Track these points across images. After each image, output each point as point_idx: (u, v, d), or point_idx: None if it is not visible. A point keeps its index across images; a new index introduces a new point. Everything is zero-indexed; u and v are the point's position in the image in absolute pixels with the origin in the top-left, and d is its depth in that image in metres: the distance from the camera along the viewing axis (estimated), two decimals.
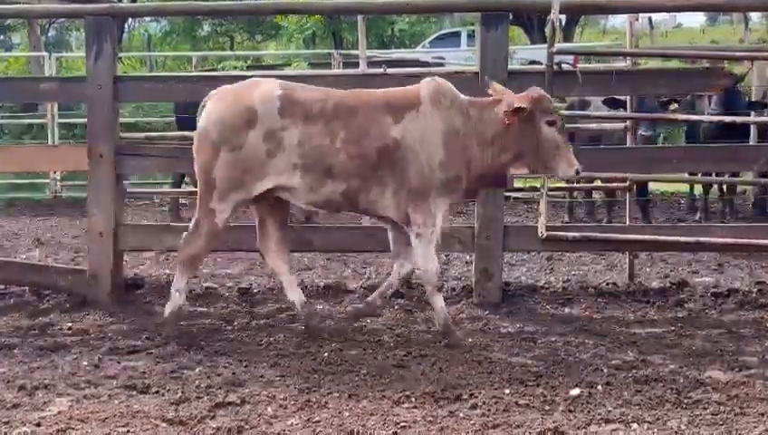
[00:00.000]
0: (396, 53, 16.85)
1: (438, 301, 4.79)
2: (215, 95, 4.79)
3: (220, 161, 4.66)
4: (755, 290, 5.85)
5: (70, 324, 5.16)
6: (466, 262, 6.67)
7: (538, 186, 5.71)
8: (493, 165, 4.78)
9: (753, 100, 9.56)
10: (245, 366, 4.38)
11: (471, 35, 23.00)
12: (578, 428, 3.58)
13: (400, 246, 4.93)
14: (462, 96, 4.79)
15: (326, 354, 4.55)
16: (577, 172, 4.74)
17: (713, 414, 3.71)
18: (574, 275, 6.55)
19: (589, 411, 3.74)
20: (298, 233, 5.80)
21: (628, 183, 6.13)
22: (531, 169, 4.88)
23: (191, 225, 4.82)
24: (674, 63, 11.57)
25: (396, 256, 5.00)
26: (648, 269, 6.73)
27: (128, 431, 3.55)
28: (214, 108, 4.73)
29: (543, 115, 4.68)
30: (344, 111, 4.68)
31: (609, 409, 3.76)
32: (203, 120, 4.75)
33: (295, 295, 5.01)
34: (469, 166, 4.74)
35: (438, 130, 4.67)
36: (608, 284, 6.07)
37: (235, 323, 5.22)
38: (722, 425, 3.61)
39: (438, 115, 4.69)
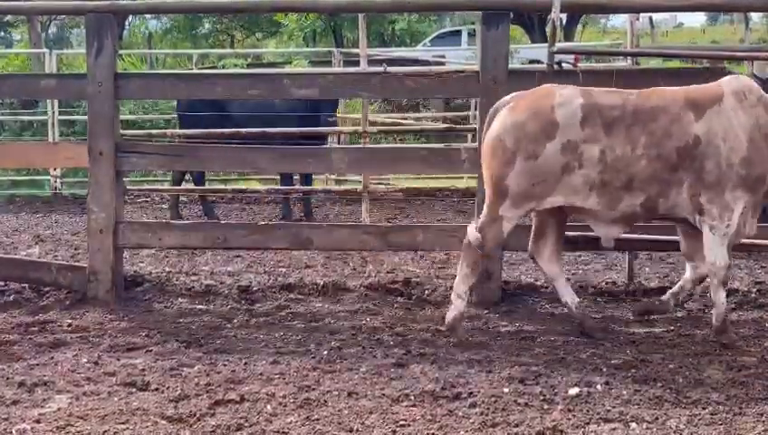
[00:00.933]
0: (396, 52, 16.85)
1: (721, 296, 4.67)
2: (509, 102, 4.69)
3: (515, 170, 4.56)
4: (755, 290, 5.85)
5: (69, 321, 5.16)
6: None
7: None
8: None
9: None
10: (245, 364, 4.38)
11: (472, 34, 23.03)
12: (577, 427, 3.58)
13: (693, 247, 4.84)
14: None
15: (325, 353, 4.55)
16: None
17: (712, 414, 3.72)
18: (574, 274, 6.55)
19: (588, 411, 3.74)
20: (298, 231, 5.81)
21: None
22: None
23: (479, 224, 4.72)
24: (674, 63, 11.57)
25: (689, 259, 4.92)
26: (647, 269, 6.74)
27: (127, 428, 3.56)
28: (511, 115, 4.62)
29: None
30: (644, 114, 4.56)
31: (609, 408, 3.77)
32: (497, 126, 4.65)
33: (569, 297, 4.96)
34: None
35: (743, 126, 4.55)
36: (607, 283, 6.07)
37: (235, 321, 5.22)
38: (721, 425, 3.61)
39: (742, 112, 4.57)
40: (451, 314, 4.77)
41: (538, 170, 4.56)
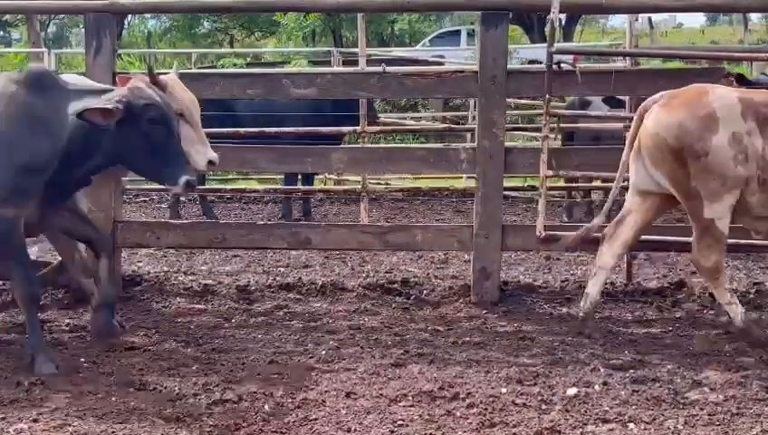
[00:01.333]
0: (395, 52, 16.84)
1: None
2: (661, 99, 4.65)
3: (693, 169, 4.50)
4: (753, 291, 5.86)
5: (68, 321, 5.16)
6: (465, 261, 6.67)
7: (537, 185, 5.71)
8: None
9: None
10: (243, 364, 4.38)
11: (471, 34, 23.04)
12: (575, 427, 3.58)
13: None
14: None
15: (323, 353, 4.55)
16: None
17: (710, 414, 3.72)
18: (572, 274, 6.55)
19: (586, 411, 3.74)
20: (296, 231, 5.81)
21: (627, 183, 6.11)
22: None
23: (694, 239, 4.67)
24: (674, 63, 11.57)
25: None
26: (646, 269, 6.73)
27: (125, 428, 3.55)
28: (666, 113, 4.58)
29: None
30: None
31: (606, 408, 3.77)
32: (653, 125, 4.61)
33: (594, 290, 4.94)
34: None
35: None
36: (606, 283, 6.05)
37: (233, 321, 5.22)
38: (718, 425, 3.61)
39: None
40: (737, 319, 4.69)
41: (712, 165, 4.49)
